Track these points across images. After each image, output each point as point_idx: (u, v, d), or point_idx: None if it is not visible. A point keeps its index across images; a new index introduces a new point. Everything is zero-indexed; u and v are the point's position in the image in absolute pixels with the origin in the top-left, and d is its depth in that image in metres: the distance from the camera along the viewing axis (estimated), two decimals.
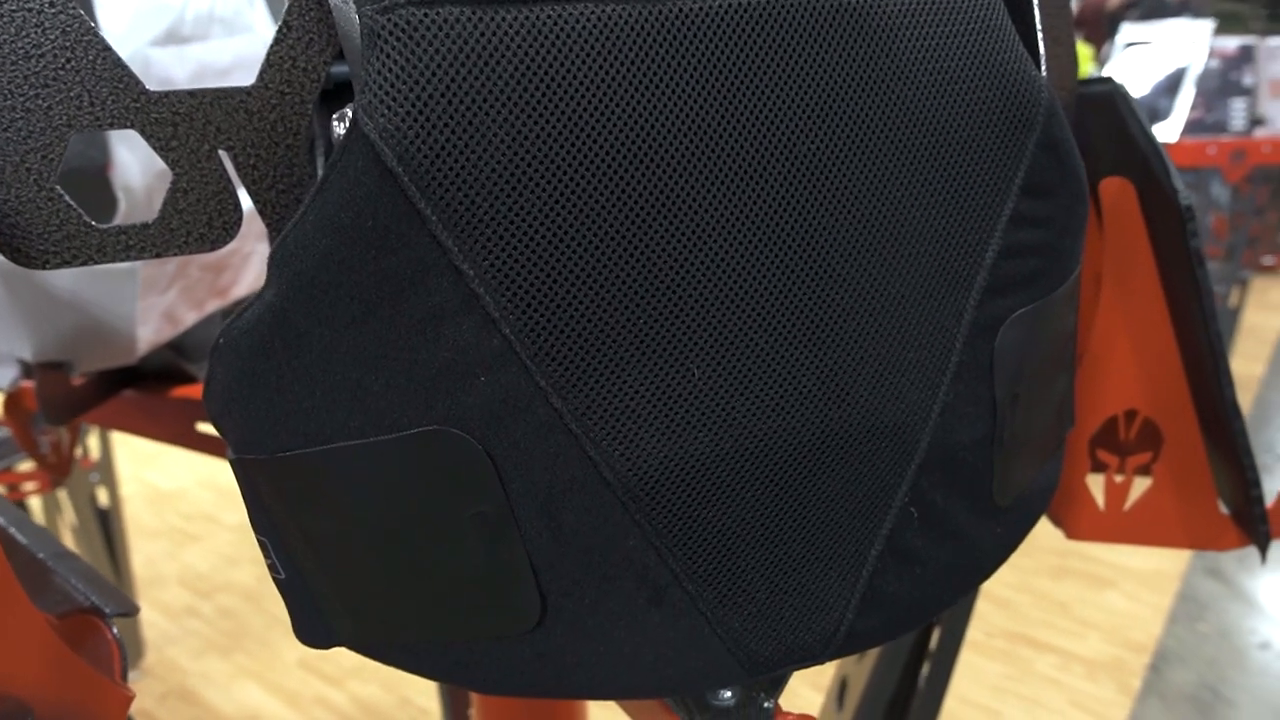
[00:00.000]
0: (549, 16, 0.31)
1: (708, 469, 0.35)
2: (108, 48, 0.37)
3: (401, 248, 0.30)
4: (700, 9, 0.33)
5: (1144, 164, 0.52)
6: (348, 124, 0.31)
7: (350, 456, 0.32)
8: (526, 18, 0.31)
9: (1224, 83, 2.73)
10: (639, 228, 0.32)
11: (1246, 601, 2.01)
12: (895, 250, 0.36)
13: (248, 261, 0.89)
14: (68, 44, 0.37)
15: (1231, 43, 2.78)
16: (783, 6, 0.33)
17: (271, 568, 0.38)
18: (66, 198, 0.39)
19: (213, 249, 0.42)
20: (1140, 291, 0.56)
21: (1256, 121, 2.71)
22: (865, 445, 0.37)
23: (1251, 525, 0.57)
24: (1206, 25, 2.75)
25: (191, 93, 0.39)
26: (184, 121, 0.39)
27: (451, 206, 0.30)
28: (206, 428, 0.96)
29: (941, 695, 0.84)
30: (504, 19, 0.30)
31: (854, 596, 0.39)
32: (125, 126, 0.38)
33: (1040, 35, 0.40)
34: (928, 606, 0.41)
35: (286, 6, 0.39)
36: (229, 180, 0.41)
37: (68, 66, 0.37)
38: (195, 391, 0.95)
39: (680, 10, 0.32)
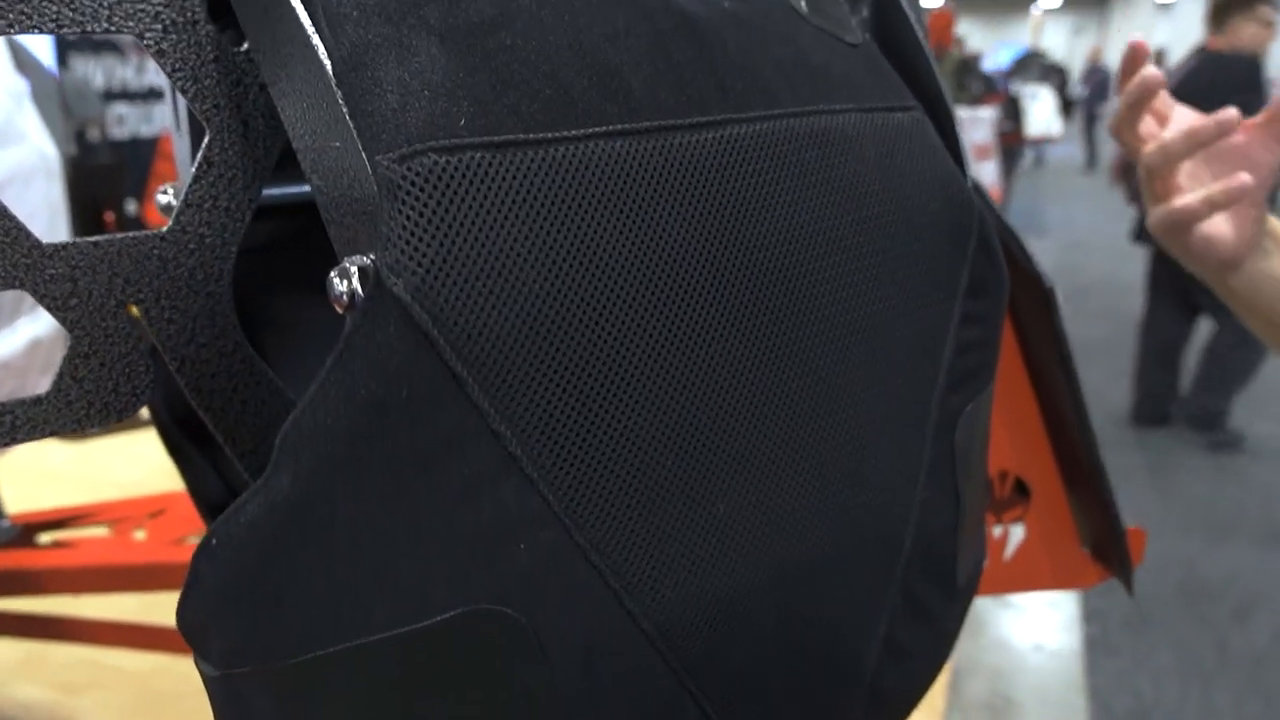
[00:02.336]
0: (568, 156, 0.29)
1: (734, 604, 0.34)
2: None
3: (437, 415, 0.27)
4: (698, 141, 0.33)
5: (1003, 248, 0.57)
6: (356, 281, 0.27)
7: (374, 653, 0.28)
8: (546, 158, 0.29)
9: None
10: (668, 370, 0.31)
11: (1015, 610, 2.22)
12: (876, 361, 0.38)
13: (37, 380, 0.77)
14: None
15: None
16: (763, 139, 0.35)
17: None
18: None
19: (117, 419, 0.36)
20: (1005, 364, 0.61)
21: None
22: (864, 554, 0.38)
23: (1114, 562, 0.63)
24: None
25: (95, 242, 0.33)
26: (85, 275, 0.33)
27: (488, 366, 0.28)
28: None
29: None
30: (525, 161, 0.29)
31: (861, 701, 0.39)
32: (13, 287, 0.32)
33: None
34: (914, 696, 0.43)
35: (206, 143, 0.34)
36: (137, 339, 0.35)
37: None
38: None
39: (685, 144, 0.32)
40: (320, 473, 0.27)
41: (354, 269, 0.27)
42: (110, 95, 2.75)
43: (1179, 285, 3.08)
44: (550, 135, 0.29)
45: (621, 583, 0.31)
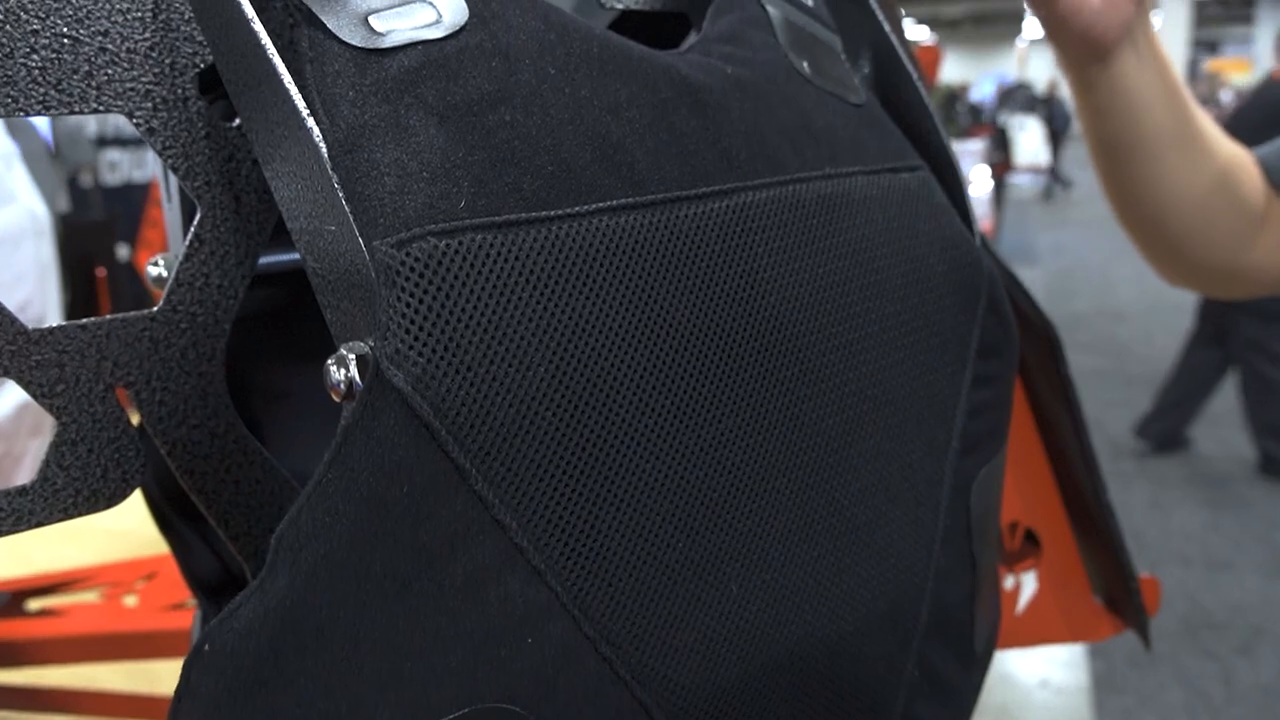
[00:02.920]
0: (571, 234, 0.29)
1: (748, 686, 0.33)
2: None
3: (440, 509, 0.26)
4: (704, 212, 0.32)
5: (1009, 298, 0.57)
6: (354, 370, 0.26)
7: None
8: (547, 237, 0.28)
9: None
10: (676, 450, 0.30)
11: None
12: (887, 428, 0.37)
13: (19, 464, 0.75)
14: None
15: None
16: (769, 207, 0.34)
17: None
18: None
19: (106, 508, 0.34)
20: (1015, 416, 0.60)
21: None
22: (880, 628, 0.37)
23: (1130, 614, 0.62)
24: None
25: (83, 325, 0.32)
26: (72, 360, 0.32)
27: (492, 455, 0.27)
28: None
29: None
30: (527, 241, 0.28)
31: None
32: None
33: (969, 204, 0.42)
34: None
35: (197, 221, 0.34)
36: (127, 422, 0.34)
37: None
38: None
39: (690, 215, 0.32)
40: (319, 575, 0.25)
41: (352, 357, 0.26)
42: (103, 141, 2.75)
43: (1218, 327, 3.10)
44: (552, 213, 0.29)
45: (633, 673, 0.30)
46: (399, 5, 0.30)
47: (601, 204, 0.30)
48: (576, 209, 0.29)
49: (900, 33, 0.47)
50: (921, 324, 0.38)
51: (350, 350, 0.27)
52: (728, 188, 0.33)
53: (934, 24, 26.02)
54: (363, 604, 0.26)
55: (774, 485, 0.33)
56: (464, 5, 0.31)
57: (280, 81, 0.28)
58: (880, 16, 0.45)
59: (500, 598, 0.27)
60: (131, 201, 2.65)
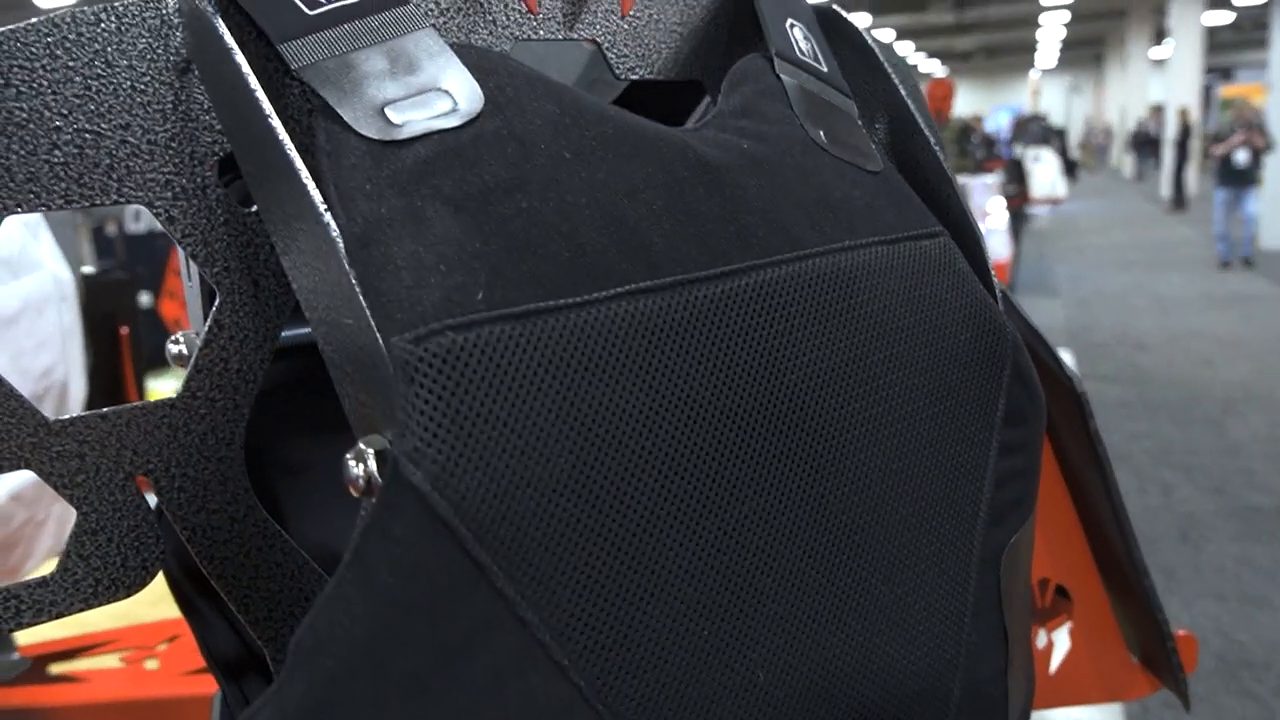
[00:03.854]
0: (588, 321, 0.28)
1: None
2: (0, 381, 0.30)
3: (459, 608, 0.26)
4: (722, 293, 0.32)
5: (1031, 353, 0.56)
6: (373, 465, 0.26)
7: None
8: (565, 326, 0.28)
9: None
10: (699, 536, 0.30)
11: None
12: (913, 502, 0.36)
13: (42, 529, 0.75)
14: None
15: None
16: (788, 284, 0.34)
17: None
18: None
19: (126, 596, 0.34)
20: (1043, 470, 0.59)
21: None
22: (910, 710, 0.36)
23: (1167, 673, 0.60)
24: None
25: (103, 415, 0.32)
26: (93, 451, 0.32)
27: (512, 551, 0.26)
28: None
29: None
30: (544, 330, 0.27)
31: None
32: (17, 468, 0.31)
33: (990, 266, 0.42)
34: None
35: (216, 307, 0.34)
36: (146, 509, 0.34)
37: None
38: None
39: (708, 296, 0.31)
40: (337, 679, 0.25)
41: (370, 453, 0.26)
42: None
43: None
44: (570, 301, 0.28)
45: None
46: (415, 95, 0.30)
47: (618, 289, 0.29)
48: (593, 295, 0.29)
49: (916, 95, 0.47)
50: (946, 394, 0.38)
51: (368, 445, 0.26)
52: (745, 266, 0.33)
53: (946, 57, 26.19)
54: (382, 706, 0.25)
55: (800, 567, 0.33)
56: (479, 92, 0.31)
57: (297, 176, 0.28)
58: (895, 80, 0.45)
59: (522, 694, 0.27)
60: (155, 249, 2.68)
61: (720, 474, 0.31)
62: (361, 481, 0.26)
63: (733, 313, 0.32)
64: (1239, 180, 7.37)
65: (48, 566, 0.93)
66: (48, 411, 0.82)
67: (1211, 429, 3.44)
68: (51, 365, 0.72)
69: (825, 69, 0.43)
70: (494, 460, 0.26)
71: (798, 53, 0.42)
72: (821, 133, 0.39)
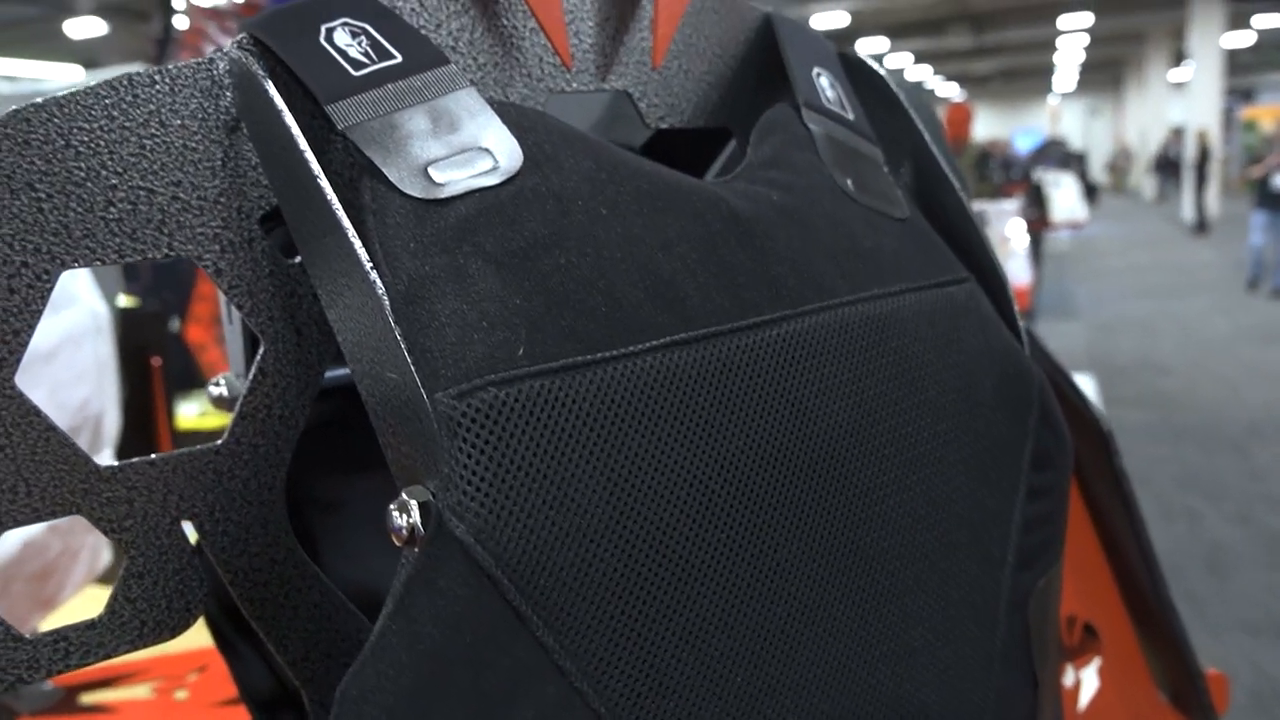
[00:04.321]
0: (625, 374, 0.29)
1: None
2: (52, 428, 0.31)
3: (501, 658, 0.26)
4: (754, 343, 0.32)
5: (1057, 393, 0.56)
6: (416, 516, 0.27)
7: None
8: (603, 379, 0.29)
9: None
10: (734, 583, 0.31)
11: None
12: (942, 547, 0.37)
13: (76, 559, 0.77)
14: (1, 430, 0.30)
15: None
16: (818, 333, 0.34)
17: None
18: None
19: (170, 638, 0.35)
20: (1070, 511, 0.59)
21: None
22: None
23: (1198, 713, 0.60)
24: None
25: (151, 461, 0.33)
26: (140, 496, 0.33)
27: (553, 601, 0.27)
28: None
29: None
30: (583, 385, 0.28)
31: None
32: (69, 514, 0.32)
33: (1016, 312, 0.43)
34: None
35: (260, 355, 0.35)
36: (190, 553, 0.35)
37: (1, 458, 0.30)
38: None
39: (741, 346, 0.32)
40: None
41: (414, 504, 0.27)
42: None
43: None
44: (607, 354, 0.29)
45: None
46: (457, 154, 0.31)
47: (654, 341, 0.30)
48: (630, 349, 0.30)
49: (940, 138, 0.48)
50: (973, 439, 0.38)
51: (411, 496, 0.27)
52: (776, 317, 0.33)
53: (964, 80, 26.21)
54: None
55: (831, 613, 0.33)
56: (518, 149, 0.32)
57: (345, 235, 0.29)
58: (919, 124, 0.45)
59: None
60: (180, 275, 2.71)
61: (754, 522, 0.31)
62: (405, 532, 0.27)
63: (765, 363, 0.32)
64: (1277, 203, 7.25)
65: (79, 595, 0.95)
66: (84, 443, 0.83)
67: (1237, 455, 3.40)
68: (88, 398, 0.74)
69: (851, 116, 0.43)
70: (535, 513, 0.27)
71: (824, 101, 0.42)
72: (849, 181, 0.40)
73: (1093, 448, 0.55)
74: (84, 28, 10.81)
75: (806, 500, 0.33)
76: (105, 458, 0.94)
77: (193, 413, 2.52)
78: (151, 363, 1.49)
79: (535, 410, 0.27)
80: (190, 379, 2.51)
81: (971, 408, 0.38)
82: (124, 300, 2.02)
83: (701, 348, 0.31)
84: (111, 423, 0.85)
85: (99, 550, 0.81)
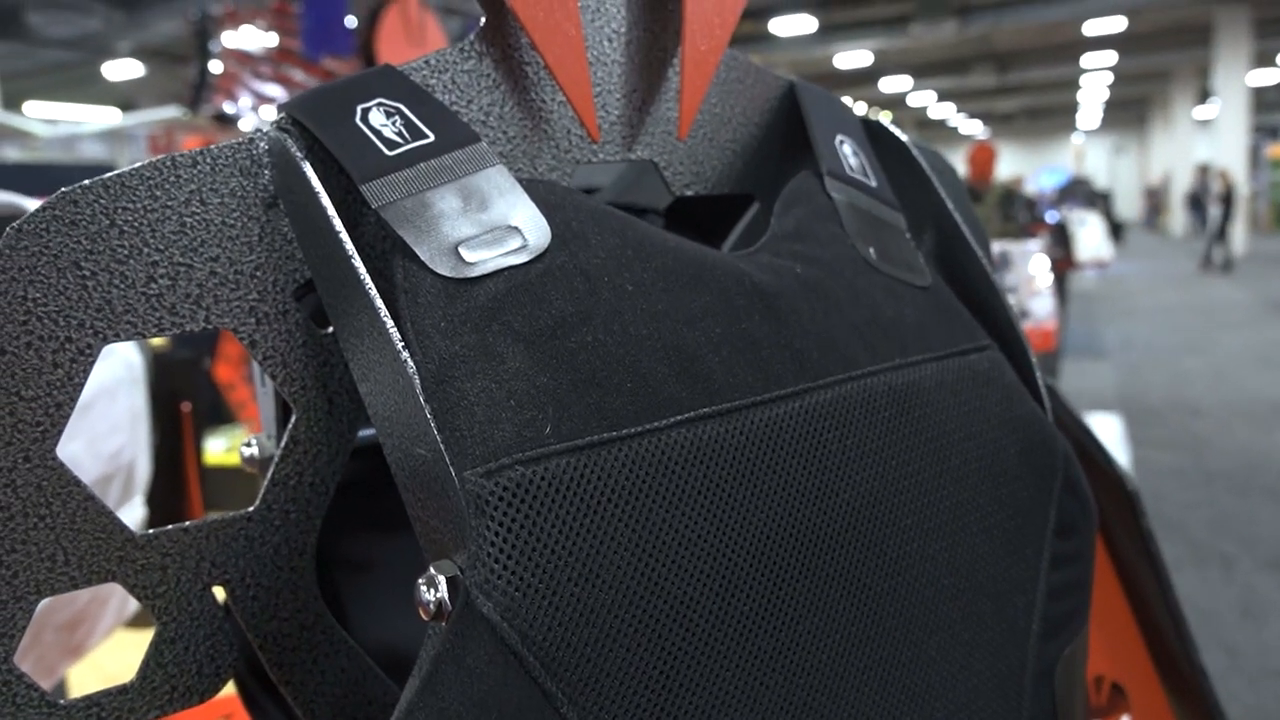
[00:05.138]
0: (651, 449, 0.30)
1: None
2: (90, 497, 0.32)
3: None
4: (778, 416, 0.33)
5: (1081, 451, 0.56)
6: (444, 591, 0.27)
7: None
8: (628, 455, 0.29)
9: None
10: (760, 656, 0.31)
11: None
12: (966, 616, 0.37)
13: (106, 606, 0.77)
14: (42, 500, 0.31)
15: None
16: (841, 404, 0.35)
17: None
18: (26, 677, 0.32)
19: (200, 702, 0.35)
20: (1096, 568, 0.58)
21: (1020, 314, 3.08)
22: None
23: None
24: None
25: (185, 529, 0.34)
26: (174, 563, 0.34)
27: (579, 679, 0.27)
28: None
29: None
30: (609, 461, 0.29)
31: None
32: (105, 581, 0.33)
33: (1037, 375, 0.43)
34: None
35: (293, 423, 0.35)
36: (221, 618, 0.35)
37: (40, 526, 0.31)
38: None
39: (764, 419, 0.32)
40: None
41: (441, 579, 0.27)
42: None
43: None
44: (632, 430, 0.30)
45: None
46: (487, 232, 0.32)
47: (679, 416, 0.31)
48: (655, 424, 0.30)
49: (962, 203, 0.48)
50: (997, 508, 0.38)
51: (439, 570, 0.28)
52: (799, 389, 0.34)
53: (987, 119, 26.25)
54: None
55: (853, 686, 0.33)
56: (546, 227, 0.32)
57: (377, 314, 0.29)
58: (941, 191, 0.46)
59: None
60: None
61: (778, 595, 0.31)
62: (433, 606, 0.27)
63: (788, 435, 0.33)
64: None
65: (107, 642, 0.95)
66: (116, 490, 0.84)
67: (1271, 498, 3.33)
68: (121, 447, 0.75)
69: (874, 183, 0.44)
70: (562, 591, 0.27)
71: (847, 168, 0.43)
72: (872, 250, 0.40)
73: (1119, 506, 0.55)
74: (122, 71, 11.09)
75: (830, 572, 0.33)
76: (136, 504, 0.96)
77: (220, 449, 2.55)
78: (182, 408, 1.51)
79: (562, 488, 0.28)
80: (218, 415, 2.54)
81: (995, 476, 0.38)
82: (156, 341, 2.06)
83: (726, 421, 0.32)
84: (143, 469, 0.86)
85: (127, 598, 0.82)
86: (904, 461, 0.36)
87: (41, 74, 11.55)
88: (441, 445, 0.28)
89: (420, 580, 0.28)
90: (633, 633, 0.28)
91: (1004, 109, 23.61)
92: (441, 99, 0.37)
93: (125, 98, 12.13)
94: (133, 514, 0.90)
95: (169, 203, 0.33)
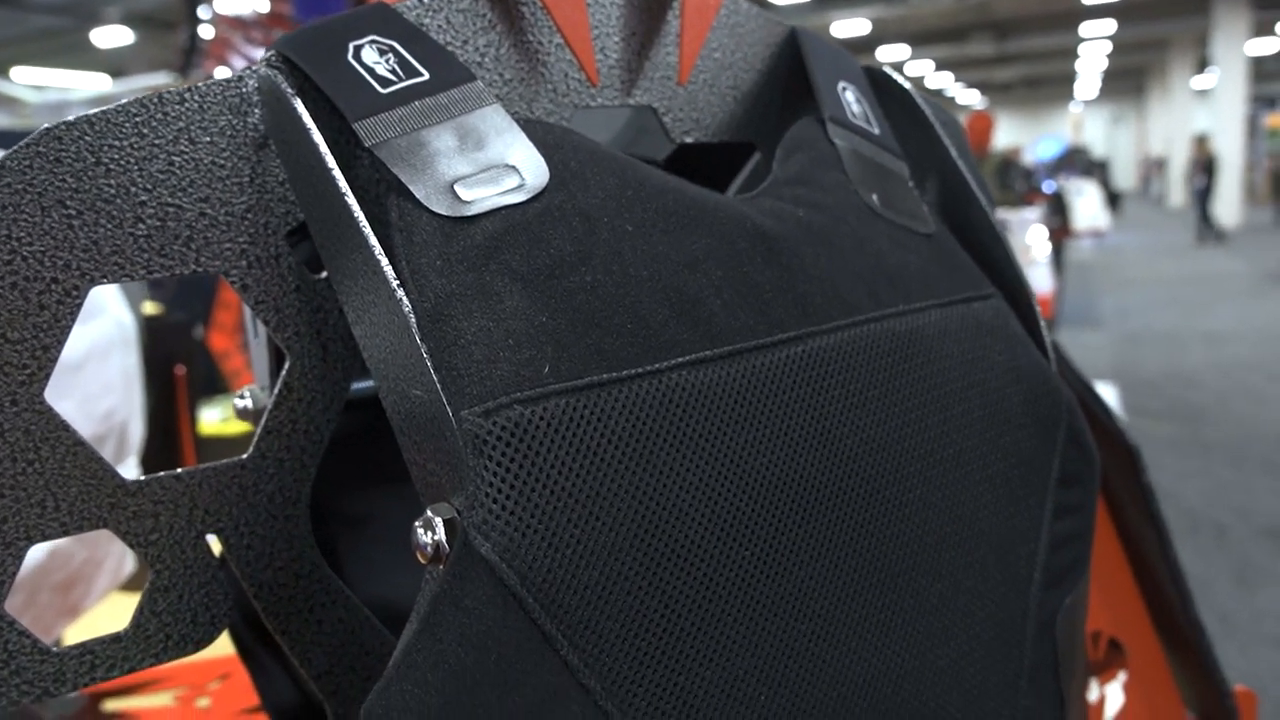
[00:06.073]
0: (651, 391, 0.29)
1: None
2: (80, 442, 0.32)
3: (528, 677, 0.26)
4: (780, 360, 0.32)
5: (1082, 407, 0.56)
6: (442, 533, 0.27)
7: None
8: (629, 397, 0.29)
9: None
10: (760, 600, 0.30)
11: None
12: (969, 564, 0.36)
13: (101, 567, 0.77)
14: (30, 445, 0.30)
15: None
16: (843, 349, 0.34)
17: None
18: (17, 624, 0.32)
19: (195, 651, 0.35)
20: (1096, 525, 0.58)
21: None
22: None
23: None
24: None
25: (177, 475, 0.33)
26: (166, 510, 0.33)
27: (578, 620, 0.27)
28: None
29: None
30: (608, 402, 0.28)
31: None
32: (96, 528, 0.32)
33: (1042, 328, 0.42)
34: None
35: (286, 370, 0.35)
36: (215, 567, 0.35)
37: (28, 471, 0.31)
38: None
39: (766, 363, 0.32)
40: None
41: (439, 521, 0.27)
42: None
43: None
44: (633, 372, 0.29)
45: None
46: (484, 171, 0.31)
47: (680, 359, 0.30)
48: (655, 366, 0.30)
49: (966, 153, 0.47)
50: (1000, 457, 0.38)
51: (436, 513, 0.27)
52: (802, 333, 0.33)
53: (985, 88, 26.10)
54: None
55: (856, 631, 0.33)
56: (544, 167, 0.32)
57: (372, 253, 0.29)
58: (945, 140, 0.45)
59: None
60: (203, 283, 2.74)
61: (779, 539, 0.31)
62: (430, 549, 0.27)
63: (790, 379, 0.32)
64: None
65: (104, 603, 0.95)
66: (109, 452, 0.84)
67: (1266, 468, 3.35)
68: (114, 408, 0.74)
69: (877, 131, 0.43)
70: (561, 532, 0.27)
71: (850, 116, 0.42)
72: (875, 197, 0.40)
73: (1120, 463, 0.55)
74: (111, 37, 10.96)
75: (831, 516, 0.32)
76: (130, 466, 0.95)
77: (215, 419, 2.55)
78: (176, 371, 1.50)
79: (560, 428, 0.27)
80: (213, 385, 2.53)
81: (998, 425, 0.38)
82: (149, 307, 2.05)
83: (727, 365, 0.31)
84: (136, 431, 0.85)
85: (124, 558, 0.82)
86: (906, 408, 0.35)
87: (30, 40, 11.42)
88: (438, 385, 0.27)
89: (417, 523, 0.27)
90: (633, 574, 0.28)
91: (1002, 78, 23.45)
92: (436, 39, 0.36)
93: (115, 64, 11.99)
94: (127, 474, 0.90)
95: (156, 141, 0.32)
